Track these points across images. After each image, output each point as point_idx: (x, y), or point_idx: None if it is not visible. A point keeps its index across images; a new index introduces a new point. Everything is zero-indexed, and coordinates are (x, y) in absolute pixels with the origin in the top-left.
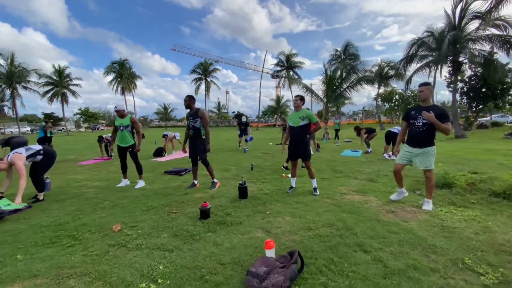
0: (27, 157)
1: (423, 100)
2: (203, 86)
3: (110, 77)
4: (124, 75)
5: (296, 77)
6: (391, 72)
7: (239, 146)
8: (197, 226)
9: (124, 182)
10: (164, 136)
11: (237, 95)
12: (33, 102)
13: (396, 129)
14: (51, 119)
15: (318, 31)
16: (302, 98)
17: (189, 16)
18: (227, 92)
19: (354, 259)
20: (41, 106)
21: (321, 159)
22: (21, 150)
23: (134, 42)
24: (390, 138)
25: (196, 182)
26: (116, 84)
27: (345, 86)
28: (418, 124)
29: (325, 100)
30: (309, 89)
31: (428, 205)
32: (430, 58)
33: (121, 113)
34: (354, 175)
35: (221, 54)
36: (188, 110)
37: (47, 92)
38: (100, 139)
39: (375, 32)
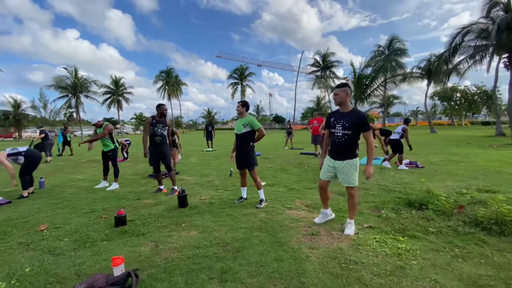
0: (8, 155)
1: (339, 105)
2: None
3: (158, 84)
4: (170, 82)
5: (332, 77)
6: (444, 67)
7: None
8: (105, 233)
9: (103, 183)
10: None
11: (283, 97)
12: (96, 107)
13: (396, 133)
14: (111, 122)
15: (371, 27)
16: (244, 104)
17: (238, 23)
18: (270, 95)
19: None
20: (100, 112)
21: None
22: (6, 149)
23: (189, 51)
24: (392, 145)
25: (162, 187)
26: (163, 91)
27: (376, 84)
28: (338, 134)
29: (353, 101)
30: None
31: (349, 229)
32: (482, 48)
33: (98, 124)
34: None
35: (268, 57)
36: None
37: (106, 100)
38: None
39: (441, 22)
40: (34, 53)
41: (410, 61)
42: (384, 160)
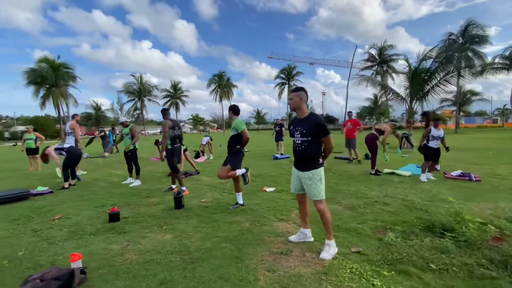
0: (55, 149)
1: (294, 110)
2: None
3: (212, 87)
4: (221, 85)
5: (391, 72)
6: None
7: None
8: (96, 227)
9: (129, 180)
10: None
11: (339, 95)
12: (158, 108)
13: (434, 138)
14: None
15: (447, 12)
16: (231, 109)
17: (293, 22)
18: (323, 94)
19: None
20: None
21: (349, 173)
22: (56, 145)
23: (245, 53)
24: (431, 153)
25: (174, 186)
26: (215, 93)
27: (437, 79)
28: (297, 142)
29: (409, 99)
30: (386, 88)
31: (326, 252)
32: None
33: (125, 124)
34: (345, 199)
35: (323, 55)
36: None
37: (166, 102)
38: (156, 142)
39: None
40: (117, 63)
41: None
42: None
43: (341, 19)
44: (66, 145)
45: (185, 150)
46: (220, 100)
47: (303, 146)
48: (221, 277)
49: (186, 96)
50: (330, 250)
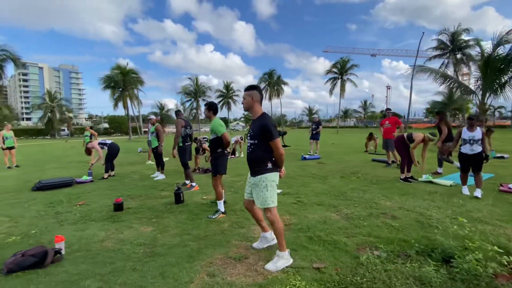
0: (99, 143)
1: (247, 110)
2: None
3: (261, 87)
4: (271, 83)
5: (466, 60)
6: None
7: None
8: (101, 215)
9: (156, 174)
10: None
11: (408, 88)
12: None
13: (474, 142)
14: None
15: None
16: (210, 107)
17: (355, 11)
18: (388, 88)
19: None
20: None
21: (376, 179)
22: (100, 140)
23: (301, 49)
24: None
25: (187, 182)
26: (265, 92)
27: None
28: (248, 144)
29: (480, 92)
30: (451, 80)
31: (272, 263)
32: None
33: (152, 122)
34: (350, 207)
35: (391, 44)
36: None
37: (219, 102)
38: (195, 139)
39: None
40: (184, 67)
41: None
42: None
43: (413, 3)
44: (108, 141)
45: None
46: (270, 98)
47: (250, 149)
48: (161, 274)
49: (237, 95)
50: (278, 262)
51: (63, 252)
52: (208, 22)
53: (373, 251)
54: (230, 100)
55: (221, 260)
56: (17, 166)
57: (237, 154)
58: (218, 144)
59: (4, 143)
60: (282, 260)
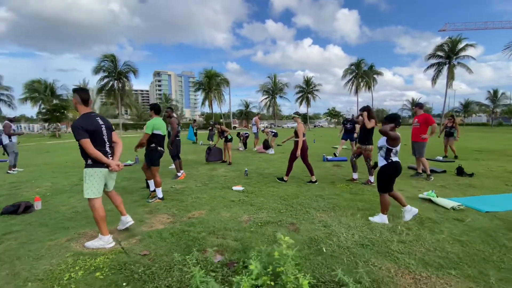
0: None
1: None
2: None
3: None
4: (358, 74)
5: None
6: None
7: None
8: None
9: (173, 166)
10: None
11: None
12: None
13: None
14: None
15: None
16: (151, 108)
17: None
18: None
19: None
20: (292, 107)
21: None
22: None
23: (420, 30)
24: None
25: (179, 174)
26: (351, 85)
27: None
28: None
29: None
30: None
31: (93, 242)
32: None
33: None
34: (272, 212)
35: None
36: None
37: (298, 98)
38: (238, 134)
39: None
40: (282, 64)
41: None
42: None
43: None
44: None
45: (230, 139)
46: (356, 92)
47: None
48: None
49: (317, 90)
50: (96, 242)
51: (37, 208)
52: (308, 15)
53: (215, 254)
54: (310, 95)
55: (84, 234)
56: None
57: (273, 151)
58: (152, 140)
59: None
60: (101, 241)
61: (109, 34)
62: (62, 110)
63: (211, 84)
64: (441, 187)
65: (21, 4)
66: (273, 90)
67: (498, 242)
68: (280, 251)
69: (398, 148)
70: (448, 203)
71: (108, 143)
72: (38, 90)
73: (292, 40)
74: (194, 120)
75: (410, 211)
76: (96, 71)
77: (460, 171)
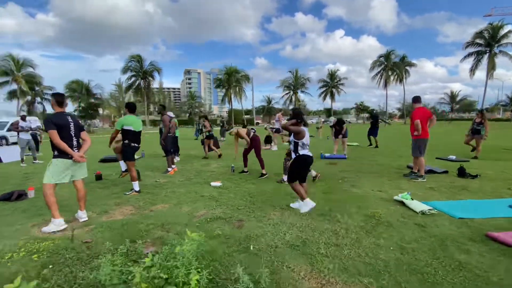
0: None
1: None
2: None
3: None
4: (387, 67)
5: None
6: None
7: None
8: (90, 180)
9: (176, 159)
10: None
11: None
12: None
13: None
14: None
15: None
16: (127, 106)
17: None
18: None
19: None
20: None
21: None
22: None
23: (467, 15)
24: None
25: (169, 169)
26: (379, 78)
27: None
28: None
29: None
30: None
31: (48, 226)
32: None
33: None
34: (226, 206)
35: None
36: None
37: (322, 93)
38: (266, 127)
39: None
40: (311, 57)
41: None
42: None
43: None
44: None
45: (210, 136)
46: (385, 85)
47: None
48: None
49: (342, 84)
50: (49, 226)
51: (30, 196)
52: (340, 5)
53: (147, 246)
54: (334, 90)
55: (50, 220)
56: None
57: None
58: (125, 136)
59: None
60: (53, 225)
61: (145, 35)
62: (95, 108)
63: (231, 81)
64: (429, 189)
65: (67, 9)
66: (294, 85)
67: (446, 252)
68: (181, 246)
69: (304, 141)
70: (418, 206)
71: (75, 138)
72: (76, 90)
73: (322, 33)
74: (200, 117)
75: (306, 205)
76: (124, 70)
77: (461, 172)
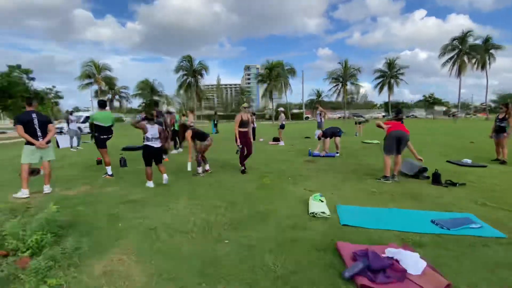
0: None
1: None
2: None
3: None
4: (462, 51)
5: None
6: None
7: None
8: (93, 164)
9: (177, 150)
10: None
11: None
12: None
13: None
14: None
15: None
16: (98, 103)
17: None
18: None
19: None
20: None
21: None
22: None
23: None
24: None
25: (164, 156)
26: (451, 66)
27: None
28: None
29: None
30: None
31: (16, 193)
32: None
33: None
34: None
35: None
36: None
37: (377, 84)
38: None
39: None
40: (384, 43)
41: None
42: None
43: None
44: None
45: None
46: (459, 74)
47: None
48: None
49: (402, 73)
50: (18, 194)
51: (41, 173)
52: None
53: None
54: (393, 80)
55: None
56: None
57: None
58: (96, 129)
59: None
60: (20, 193)
61: (212, 34)
62: (156, 104)
63: (271, 75)
64: (371, 193)
65: (148, 16)
66: (343, 77)
67: (279, 256)
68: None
69: (148, 135)
70: (313, 208)
71: (39, 130)
72: (143, 88)
73: (398, 15)
74: (215, 113)
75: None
76: (177, 70)
77: (436, 179)
